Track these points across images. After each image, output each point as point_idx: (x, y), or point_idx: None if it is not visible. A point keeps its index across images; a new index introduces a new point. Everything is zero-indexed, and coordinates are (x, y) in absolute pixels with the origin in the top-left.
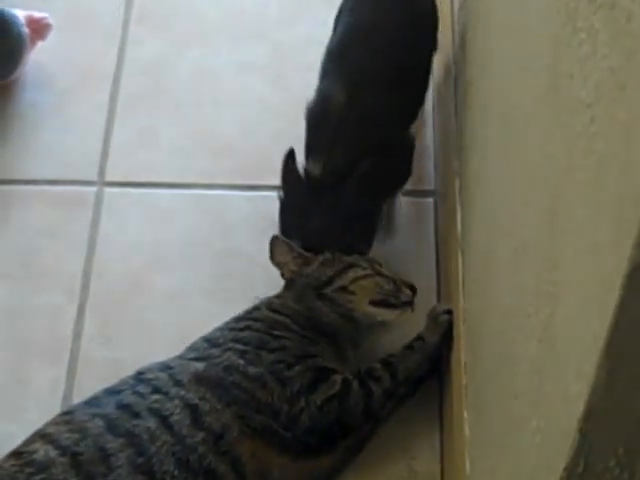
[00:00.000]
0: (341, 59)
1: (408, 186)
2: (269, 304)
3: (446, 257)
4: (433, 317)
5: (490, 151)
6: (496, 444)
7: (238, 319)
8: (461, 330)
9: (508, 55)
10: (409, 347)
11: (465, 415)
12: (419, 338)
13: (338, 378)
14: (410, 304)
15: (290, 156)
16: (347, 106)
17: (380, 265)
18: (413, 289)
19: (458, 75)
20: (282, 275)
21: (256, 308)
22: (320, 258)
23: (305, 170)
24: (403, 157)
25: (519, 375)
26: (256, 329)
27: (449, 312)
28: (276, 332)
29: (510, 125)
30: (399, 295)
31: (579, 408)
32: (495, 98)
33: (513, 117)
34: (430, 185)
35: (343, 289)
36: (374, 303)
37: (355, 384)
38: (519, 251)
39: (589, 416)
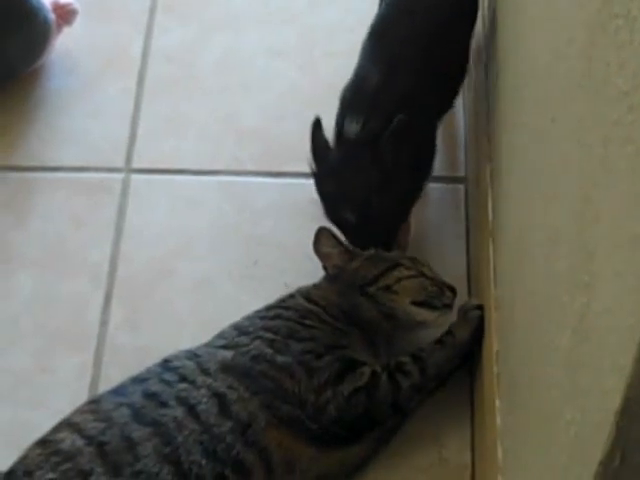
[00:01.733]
0: (380, 39)
1: (439, 172)
2: (306, 293)
3: (477, 244)
4: (464, 312)
5: (522, 138)
6: (529, 435)
7: (270, 307)
8: (493, 318)
9: (541, 41)
10: (439, 342)
11: (497, 404)
12: (449, 333)
13: (367, 370)
14: (450, 307)
15: (317, 125)
16: (382, 85)
17: (423, 265)
18: (454, 291)
19: (489, 61)
20: (324, 268)
21: (291, 296)
22: (365, 254)
23: (339, 134)
24: (427, 149)
25: (553, 366)
26: (287, 318)
27: (480, 308)
28: (307, 322)
29: (543, 112)
30: (440, 297)
31: (615, 401)
32: (528, 84)
33: (546, 104)
34: (461, 171)
35: (387, 288)
36: (416, 303)
37: (384, 377)
38: (553, 240)
39: (625, 410)
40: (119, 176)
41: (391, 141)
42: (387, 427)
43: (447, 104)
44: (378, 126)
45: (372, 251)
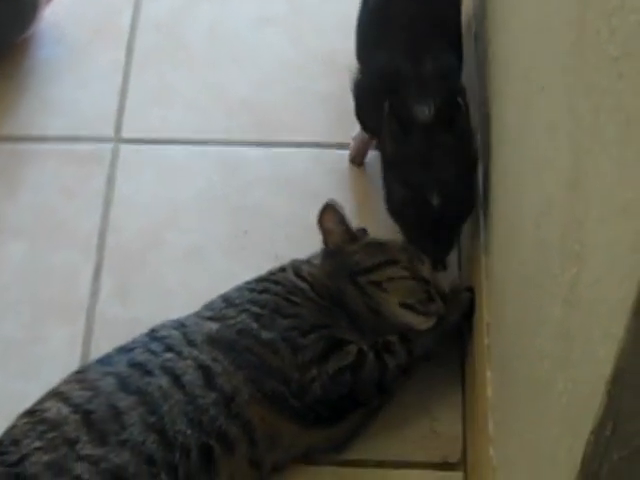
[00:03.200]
0: (387, 23)
1: None
2: (297, 268)
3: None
4: (454, 293)
5: (512, 107)
6: (521, 406)
7: (259, 280)
8: (484, 289)
9: (531, 9)
10: None
11: (488, 375)
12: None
13: (353, 349)
14: (437, 315)
15: (391, 110)
16: (430, 70)
17: (423, 263)
18: (445, 300)
19: (478, 30)
20: (325, 243)
21: (282, 269)
22: (367, 239)
23: (407, 120)
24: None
25: (544, 336)
26: (274, 292)
27: (471, 290)
28: (293, 298)
29: (533, 81)
30: (429, 304)
31: (607, 370)
32: (517, 53)
33: (536, 73)
34: None
35: (377, 284)
36: (403, 305)
37: (371, 356)
38: (543, 209)
39: (617, 378)
40: (108, 146)
41: (466, 121)
42: (372, 407)
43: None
44: (446, 108)
45: (374, 238)
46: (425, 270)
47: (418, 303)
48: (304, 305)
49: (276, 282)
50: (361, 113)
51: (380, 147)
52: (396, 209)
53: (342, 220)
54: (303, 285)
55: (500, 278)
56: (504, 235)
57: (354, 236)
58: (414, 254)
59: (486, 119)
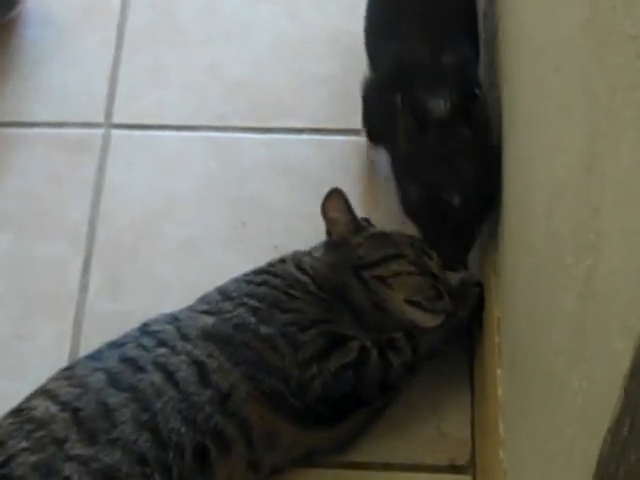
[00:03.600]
0: (401, 12)
1: None
2: (298, 260)
3: None
4: (462, 288)
5: (523, 89)
6: (533, 406)
7: (258, 271)
8: (493, 283)
9: None
10: None
11: (498, 374)
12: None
13: (355, 345)
14: (444, 313)
15: (405, 104)
16: (447, 60)
17: (431, 257)
18: (453, 296)
19: (487, 9)
20: (328, 233)
21: (282, 261)
22: (372, 231)
23: (422, 115)
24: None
25: (557, 332)
26: (273, 286)
27: (480, 285)
28: (292, 292)
29: (546, 61)
30: (437, 302)
31: (624, 365)
32: (529, 33)
33: (550, 53)
34: None
35: (382, 279)
36: (408, 302)
37: (374, 353)
38: (556, 196)
39: (635, 373)
40: (99, 132)
41: (485, 114)
42: (374, 407)
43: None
44: (461, 101)
45: (379, 229)
46: (433, 264)
47: (425, 300)
48: (304, 299)
49: (275, 274)
50: (370, 116)
51: (390, 147)
52: (413, 210)
53: (348, 209)
54: (304, 278)
55: (511, 270)
56: (514, 224)
57: (359, 226)
58: (421, 247)
59: (496, 103)
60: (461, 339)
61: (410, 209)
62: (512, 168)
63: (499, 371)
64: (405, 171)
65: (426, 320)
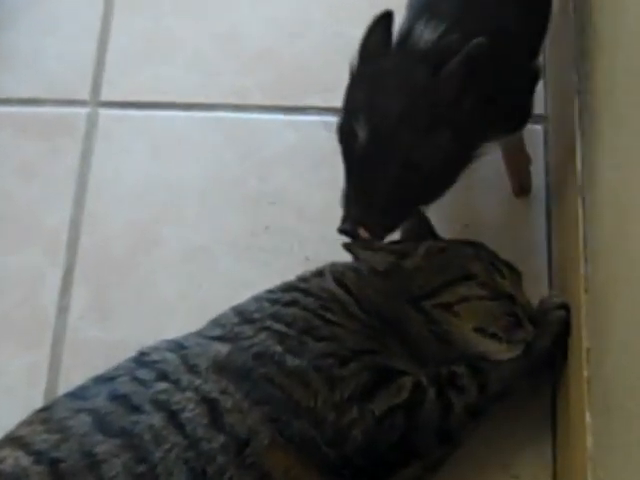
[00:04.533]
0: None
1: None
2: (340, 274)
3: (561, 205)
4: (543, 312)
5: (624, 60)
6: (634, 460)
7: (285, 288)
8: (582, 305)
9: None
10: None
11: (588, 419)
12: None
13: (407, 382)
14: (523, 343)
15: (384, 18)
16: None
17: (504, 275)
18: (536, 324)
19: None
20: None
21: (318, 274)
22: (426, 247)
23: (403, 37)
24: (524, 91)
25: None
26: (305, 306)
27: (565, 307)
28: (330, 315)
29: None
30: (515, 331)
31: None
32: None
33: None
34: (539, 108)
35: (446, 306)
36: (479, 331)
37: (431, 393)
38: None
39: None
40: (83, 111)
41: (460, 70)
42: (430, 461)
43: (540, 36)
44: (457, 43)
45: (435, 243)
46: (507, 283)
47: (499, 329)
48: (344, 324)
49: (307, 292)
50: None
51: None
52: (338, 135)
53: (379, 245)
54: (345, 297)
55: (605, 289)
56: (612, 231)
57: (405, 251)
58: (490, 260)
59: (587, 77)
60: (540, 375)
61: (338, 130)
62: (610, 159)
63: (588, 415)
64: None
65: (500, 352)
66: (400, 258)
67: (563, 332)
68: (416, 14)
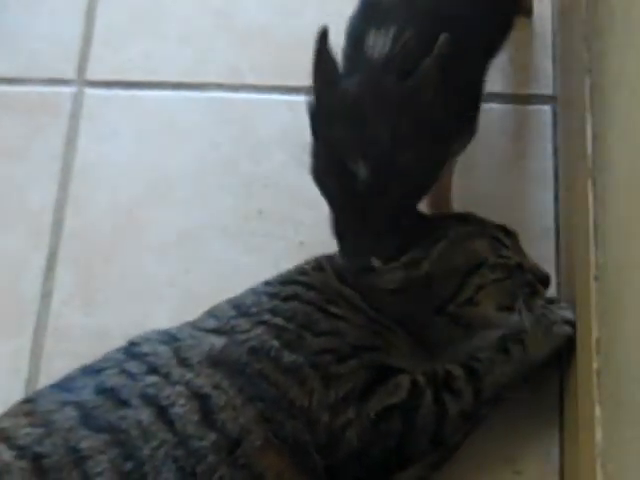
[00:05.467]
0: None
1: (518, 90)
2: (339, 269)
3: (570, 188)
4: (549, 322)
5: (638, 39)
6: None
7: (285, 281)
8: (592, 292)
9: None
10: (504, 350)
11: (597, 413)
12: (520, 341)
13: (404, 381)
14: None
15: (323, 39)
16: None
17: (505, 245)
18: (547, 282)
19: None
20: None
21: (318, 268)
22: (435, 253)
23: (353, 51)
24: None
25: None
26: (307, 300)
27: (571, 323)
28: (334, 308)
29: None
30: (532, 300)
31: None
32: None
33: None
34: (547, 88)
35: (468, 301)
36: (500, 309)
37: (428, 396)
38: None
39: None
40: (68, 90)
41: (434, 70)
42: (426, 464)
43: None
44: (414, 45)
45: (444, 242)
46: (511, 254)
47: (519, 302)
48: (347, 318)
49: (309, 286)
50: None
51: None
52: (317, 176)
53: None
54: (350, 292)
55: (617, 276)
56: (624, 215)
57: (415, 262)
58: (492, 233)
59: (598, 55)
60: (545, 369)
61: (315, 174)
62: (623, 140)
63: (598, 408)
64: (316, 124)
65: (510, 320)
66: (410, 269)
67: (565, 348)
68: (363, 18)
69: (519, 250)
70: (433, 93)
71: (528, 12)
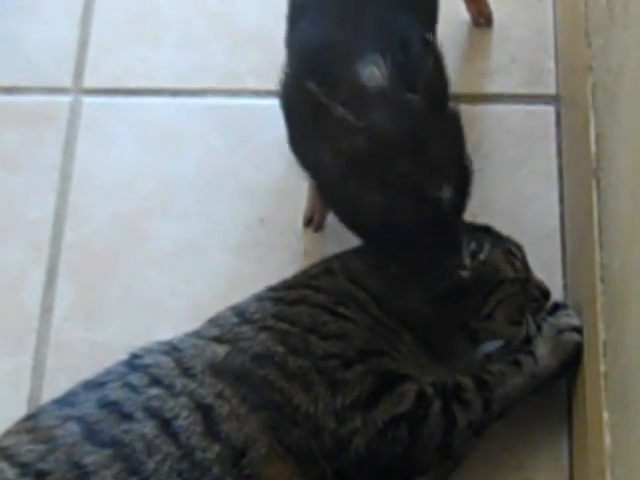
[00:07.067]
0: None
1: (519, 89)
2: (355, 273)
3: (574, 188)
4: (557, 331)
5: None
6: None
7: (291, 285)
8: (598, 294)
9: None
10: (514, 362)
11: (605, 417)
12: (530, 353)
13: (410, 390)
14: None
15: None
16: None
17: (516, 258)
18: (547, 296)
19: None
20: None
21: (329, 272)
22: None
23: (355, 93)
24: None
25: None
26: (314, 303)
27: (579, 330)
28: (342, 309)
29: None
30: (538, 314)
31: None
32: None
33: None
34: (550, 87)
35: (488, 317)
36: (512, 323)
37: (436, 406)
38: None
39: None
40: (65, 99)
41: (440, 70)
42: (434, 475)
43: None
44: (401, 60)
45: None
46: (522, 268)
47: (527, 316)
48: (357, 319)
49: (319, 289)
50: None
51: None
52: (377, 229)
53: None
54: (361, 294)
55: (622, 277)
56: (628, 214)
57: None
58: (507, 248)
59: (602, 53)
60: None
61: (372, 225)
62: (627, 140)
63: (606, 412)
64: (352, 177)
65: (517, 332)
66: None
67: (574, 356)
68: (342, 63)
69: (526, 264)
70: (446, 87)
71: (488, 20)
